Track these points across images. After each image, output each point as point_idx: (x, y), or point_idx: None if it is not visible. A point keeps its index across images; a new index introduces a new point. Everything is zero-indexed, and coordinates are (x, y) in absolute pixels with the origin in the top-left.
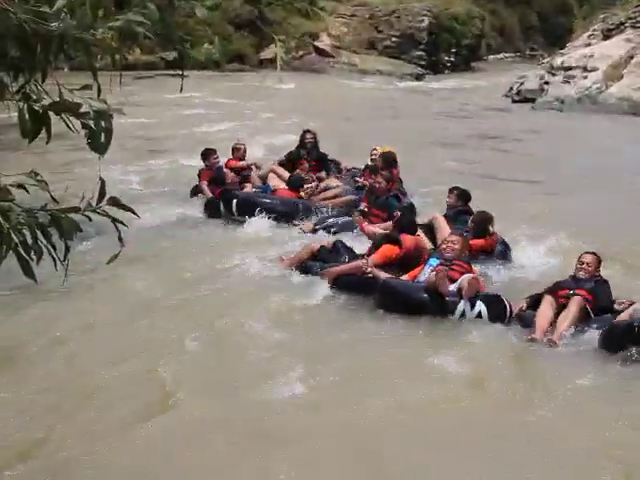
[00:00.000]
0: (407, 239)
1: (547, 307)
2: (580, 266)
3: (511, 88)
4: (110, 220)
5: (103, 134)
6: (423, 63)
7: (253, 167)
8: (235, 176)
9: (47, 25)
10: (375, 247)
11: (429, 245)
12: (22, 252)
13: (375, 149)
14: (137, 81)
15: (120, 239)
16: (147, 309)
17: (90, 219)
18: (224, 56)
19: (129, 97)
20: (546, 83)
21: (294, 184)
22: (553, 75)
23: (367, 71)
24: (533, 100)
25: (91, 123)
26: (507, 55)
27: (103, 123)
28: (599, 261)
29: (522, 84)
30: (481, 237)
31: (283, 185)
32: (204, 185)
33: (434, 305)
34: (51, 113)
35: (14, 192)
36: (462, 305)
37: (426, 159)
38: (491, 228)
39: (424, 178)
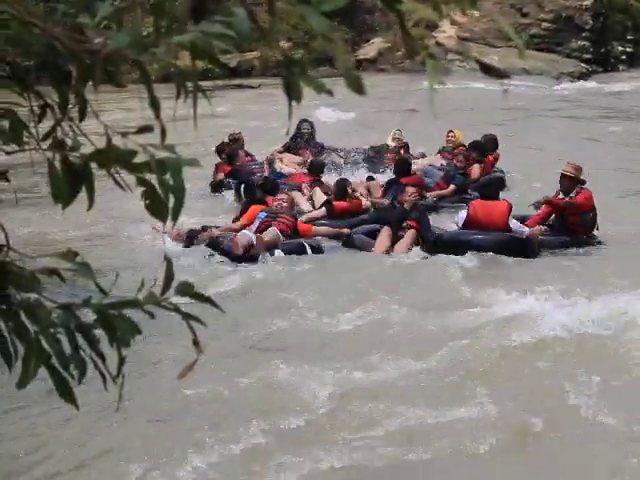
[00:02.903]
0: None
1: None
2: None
3: None
4: (181, 317)
5: (170, 194)
6: (588, 57)
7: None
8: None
9: (87, 42)
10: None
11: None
12: (57, 366)
13: (452, 131)
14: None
15: (196, 343)
16: None
17: (153, 316)
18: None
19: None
20: None
21: (316, 168)
22: None
23: (508, 71)
24: None
25: (152, 179)
26: None
27: (170, 179)
28: None
29: None
30: (342, 200)
31: (293, 169)
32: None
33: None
34: (94, 165)
35: (45, 280)
36: (261, 258)
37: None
38: (350, 191)
39: None
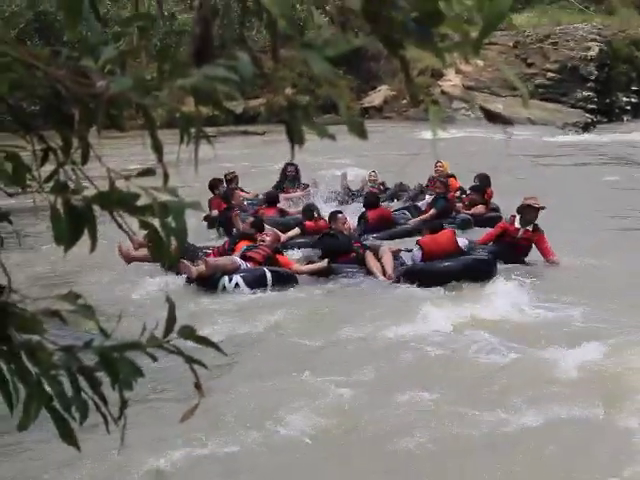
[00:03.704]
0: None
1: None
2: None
3: None
4: (184, 360)
5: (172, 237)
6: (592, 107)
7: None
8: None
9: (90, 86)
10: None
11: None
12: (59, 408)
13: (439, 161)
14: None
15: (198, 386)
16: None
17: (155, 358)
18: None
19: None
20: None
21: (270, 199)
22: None
23: (513, 120)
24: None
25: (154, 222)
26: None
27: (172, 222)
28: None
29: None
30: (310, 220)
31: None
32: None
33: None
34: (97, 208)
35: (46, 322)
36: (222, 280)
37: None
38: (315, 214)
39: None
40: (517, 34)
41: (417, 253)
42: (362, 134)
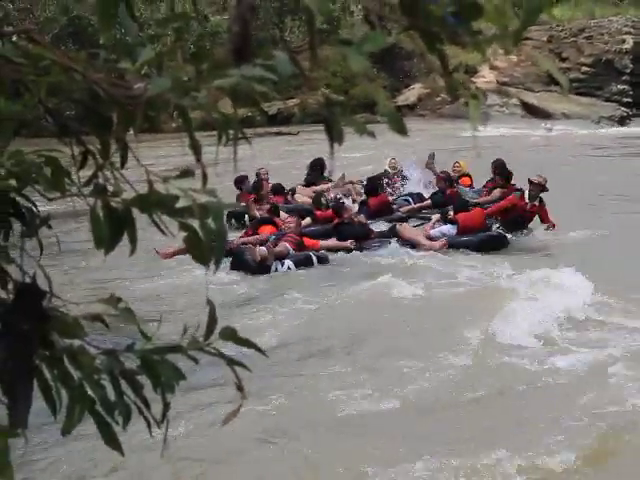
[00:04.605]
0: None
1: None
2: None
3: None
4: (225, 362)
5: (212, 239)
6: (628, 100)
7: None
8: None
9: (128, 88)
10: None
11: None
12: (102, 412)
13: (457, 162)
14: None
15: (240, 388)
16: None
17: (196, 361)
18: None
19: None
20: None
21: (277, 191)
22: None
23: (548, 115)
24: None
25: (194, 224)
26: None
27: (212, 223)
28: None
29: None
30: (319, 209)
31: (307, 199)
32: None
33: (260, 267)
34: (136, 211)
35: (88, 326)
36: (274, 265)
37: None
38: (324, 201)
39: None
40: (551, 29)
41: (451, 229)
42: (402, 129)
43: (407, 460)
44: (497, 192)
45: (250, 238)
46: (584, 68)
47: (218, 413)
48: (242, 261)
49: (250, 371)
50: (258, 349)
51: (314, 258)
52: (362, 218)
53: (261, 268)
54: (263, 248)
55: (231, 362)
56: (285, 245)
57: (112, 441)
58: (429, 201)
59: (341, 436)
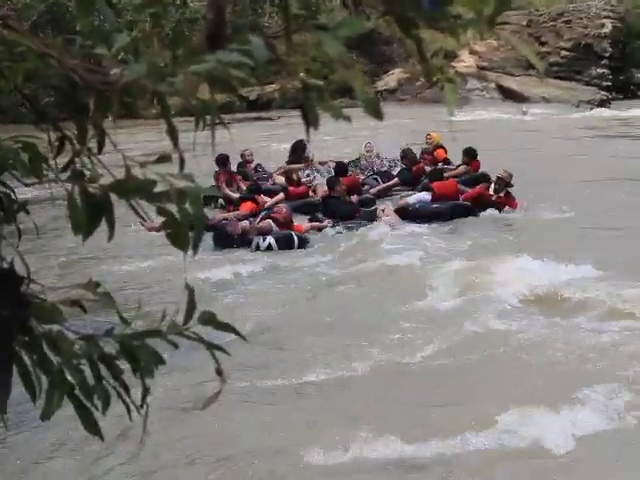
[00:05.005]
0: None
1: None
2: None
3: None
4: (205, 347)
5: (190, 224)
6: (607, 84)
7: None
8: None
9: (105, 73)
10: None
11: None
12: (81, 397)
13: (429, 134)
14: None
15: (219, 372)
16: None
17: (176, 346)
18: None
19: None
20: None
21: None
22: None
23: (527, 99)
24: None
25: (172, 208)
26: None
27: (189, 208)
28: None
29: None
30: (292, 185)
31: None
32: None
33: (241, 240)
34: (114, 196)
35: (67, 311)
36: (255, 240)
37: None
38: (296, 178)
39: None
40: (530, 13)
41: (426, 195)
42: (378, 114)
43: (397, 421)
44: (462, 168)
45: (230, 214)
46: (563, 52)
47: (198, 396)
48: (223, 234)
49: (230, 355)
50: (237, 333)
51: (295, 238)
52: (354, 198)
53: (242, 241)
54: (245, 222)
55: (211, 346)
56: (269, 222)
57: (91, 426)
58: (396, 179)
59: (328, 402)
